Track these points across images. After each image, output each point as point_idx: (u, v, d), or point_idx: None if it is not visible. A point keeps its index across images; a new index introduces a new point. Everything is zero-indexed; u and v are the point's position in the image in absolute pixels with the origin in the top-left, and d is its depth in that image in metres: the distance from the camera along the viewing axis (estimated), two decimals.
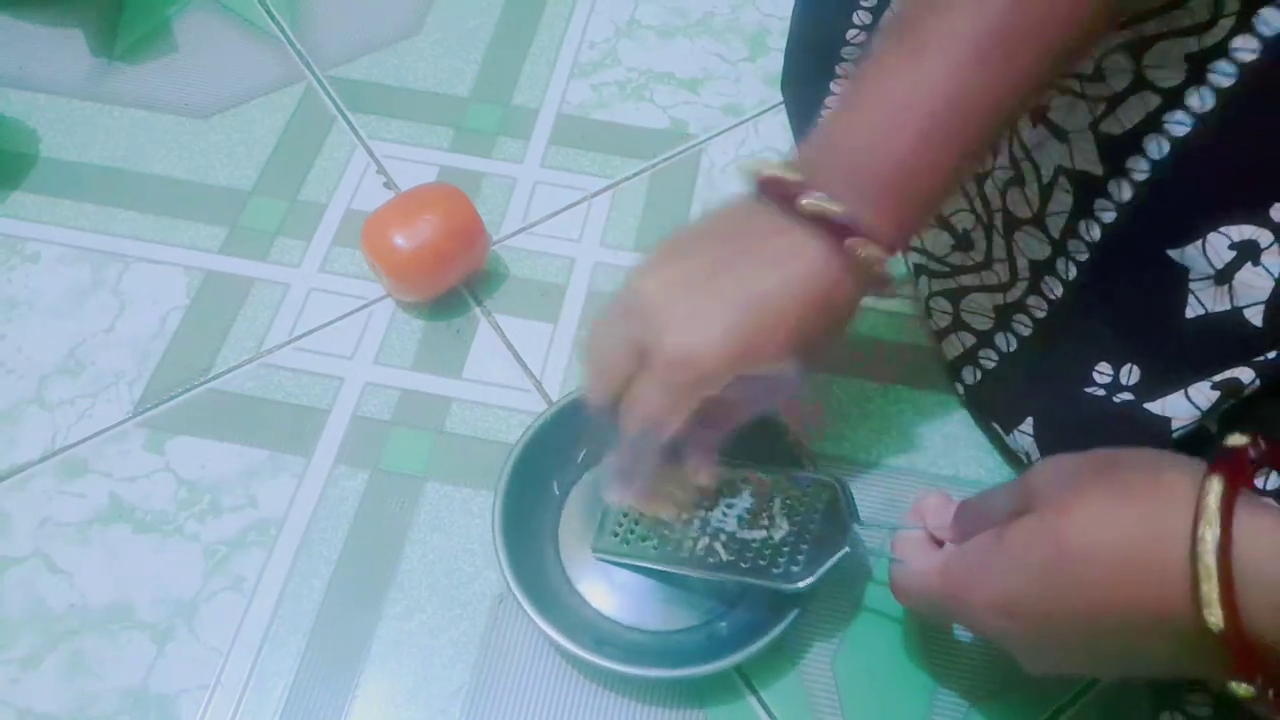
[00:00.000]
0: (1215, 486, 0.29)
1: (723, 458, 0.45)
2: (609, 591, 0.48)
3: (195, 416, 0.53)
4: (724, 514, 0.46)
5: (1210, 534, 0.28)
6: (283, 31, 0.70)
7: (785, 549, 0.45)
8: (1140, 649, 0.32)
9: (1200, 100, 0.37)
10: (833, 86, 0.62)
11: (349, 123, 0.65)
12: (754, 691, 0.46)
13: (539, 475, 0.49)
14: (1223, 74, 0.36)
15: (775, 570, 0.44)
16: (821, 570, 0.43)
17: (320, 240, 0.60)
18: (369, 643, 0.47)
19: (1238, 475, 0.30)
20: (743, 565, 0.45)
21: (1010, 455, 0.52)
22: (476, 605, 0.48)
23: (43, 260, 0.59)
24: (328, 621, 0.48)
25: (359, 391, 0.54)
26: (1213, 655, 0.29)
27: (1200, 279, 0.39)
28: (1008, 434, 0.50)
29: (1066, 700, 0.46)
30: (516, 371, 0.55)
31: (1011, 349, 0.49)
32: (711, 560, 0.46)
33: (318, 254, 0.60)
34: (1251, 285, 0.37)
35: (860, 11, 0.58)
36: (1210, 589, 0.28)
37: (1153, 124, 0.39)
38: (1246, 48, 0.35)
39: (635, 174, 0.64)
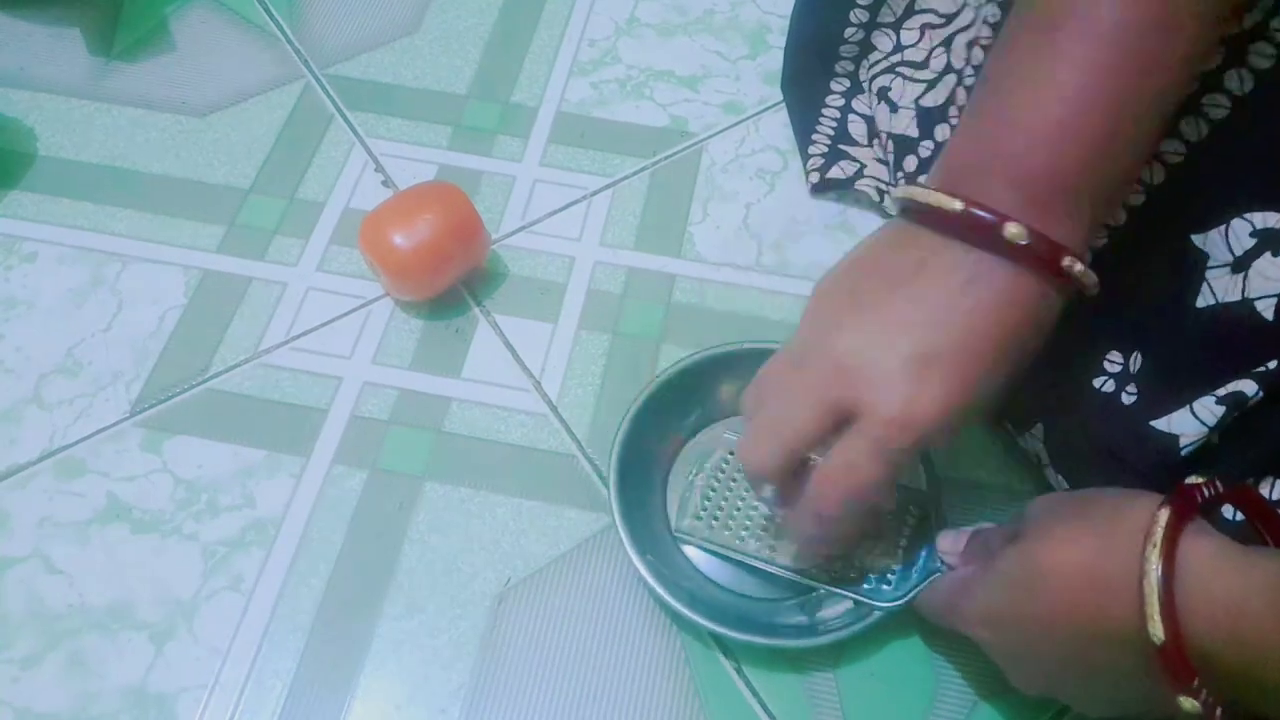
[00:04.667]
0: (1164, 516, 0.32)
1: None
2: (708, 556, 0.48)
3: (193, 416, 0.53)
4: None
5: (1155, 555, 0.31)
6: (281, 30, 0.70)
7: (877, 562, 0.45)
8: (1103, 667, 0.34)
9: (1240, 82, 0.36)
10: (833, 85, 0.62)
11: (347, 121, 0.65)
12: (754, 692, 0.46)
13: (655, 429, 0.50)
14: (1263, 55, 0.35)
15: (866, 585, 0.45)
16: (915, 591, 0.44)
17: (318, 239, 0.60)
18: (368, 643, 0.47)
19: (1186, 508, 0.33)
20: (831, 572, 0.46)
21: (1024, 457, 0.51)
22: (476, 605, 0.48)
23: (40, 260, 0.59)
24: (327, 621, 0.48)
25: (357, 391, 0.54)
26: (1161, 672, 0.31)
27: (1218, 266, 0.38)
28: (1019, 436, 0.49)
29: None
30: (516, 371, 0.55)
31: None
32: (799, 561, 0.46)
33: (316, 253, 0.60)
34: (1267, 276, 0.36)
35: (857, 10, 0.58)
36: (1153, 604, 0.31)
37: (1190, 106, 0.38)
38: None
39: (635, 172, 0.63)
